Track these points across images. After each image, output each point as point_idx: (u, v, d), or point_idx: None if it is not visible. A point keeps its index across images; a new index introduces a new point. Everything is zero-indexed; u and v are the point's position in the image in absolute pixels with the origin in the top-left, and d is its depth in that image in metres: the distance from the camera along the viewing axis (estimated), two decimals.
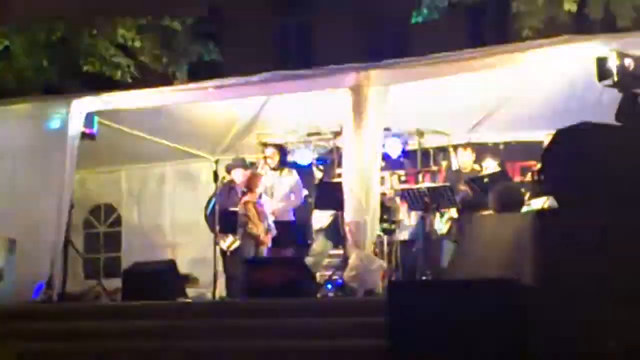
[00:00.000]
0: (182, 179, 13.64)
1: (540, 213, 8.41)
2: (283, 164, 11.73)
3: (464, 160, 11.38)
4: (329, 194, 10.35)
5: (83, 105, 10.92)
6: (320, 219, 11.55)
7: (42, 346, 8.78)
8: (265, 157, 11.66)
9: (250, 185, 11.08)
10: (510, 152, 11.98)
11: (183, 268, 11.04)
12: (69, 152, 10.74)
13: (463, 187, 10.74)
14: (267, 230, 10.90)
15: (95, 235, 14.21)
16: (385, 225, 10.89)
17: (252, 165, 11.87)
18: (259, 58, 17.37)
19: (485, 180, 10.43)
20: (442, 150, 12.37)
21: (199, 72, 16.24)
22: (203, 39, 17.11)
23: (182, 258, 11.92)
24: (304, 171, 12.01)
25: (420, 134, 11.99)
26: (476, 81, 10.21)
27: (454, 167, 11.79)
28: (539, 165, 10.00)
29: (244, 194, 11.07)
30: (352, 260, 9.43)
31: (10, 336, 8.82)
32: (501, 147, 12.03)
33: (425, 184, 11.34)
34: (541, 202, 9.93)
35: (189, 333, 8.55)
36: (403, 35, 18.11)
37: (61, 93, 13.96)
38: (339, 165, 10.49)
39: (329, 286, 10.84)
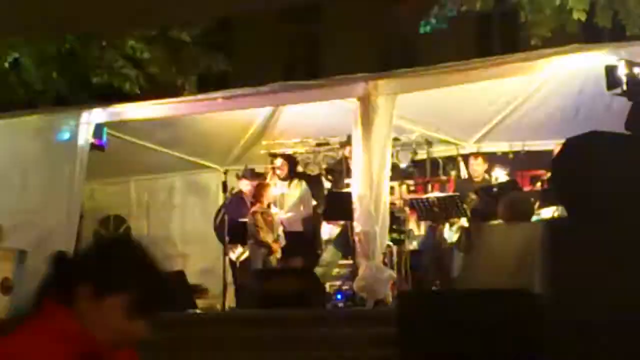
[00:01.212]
0: (191, 190, 13.65)
1: (550, 222, 8.39)
2: (292, 174, 11.73)
3: (475, 169, 11.34)
4: (338, 205, 10.34)
5: (92, 117, 10.95)
6: (330, 229, 11.54)
7: None
8: (274, 168, 11.66)
9: (258, 195, 11.08)
10: (519, 161, 11.95)
11: (192, 279, 11.04)
12: (79, 164, 10.76)
13: (473, 197, 10.71)
14: (276, 240, 10.89)
15: None
16: (395, 235, 10.86)
17: (261, 175, 11.87)
18: (267, 69, 17.42)
19: (495, 189, 10.40)
20: (451, 160, 12.36)
21: (207, 83, 16.28)
22: (211, 50, 17.12)
23: (191, 269, 11.91)
24: (313, 181, 12.00)
25: (429, 143, 11.98)
26: (485, 90, 10.21)
27: (463, 176, 11.76)
28: (548, 175, 9.97)
29: (252, 204, 11.07)
30: (362, 270, 9.42)
31: None
32: (510, 156, 11.99)
33: (434, 193, 11.31)
34: (551, 212, 9.90)
35: (199, 344, 8.55)
36: (411, 45, 18.11)
37: (70, 105, 14.01)
38: (348, 175, 10.48)
39: (339, 296, 10.82)
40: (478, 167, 11.27)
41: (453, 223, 10.86)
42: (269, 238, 10.78)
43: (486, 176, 11.22)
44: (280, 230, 11.08)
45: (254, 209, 10.97)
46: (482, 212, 10.40)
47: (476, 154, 11.58)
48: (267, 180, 11.51)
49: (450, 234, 10.89)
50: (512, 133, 11.73)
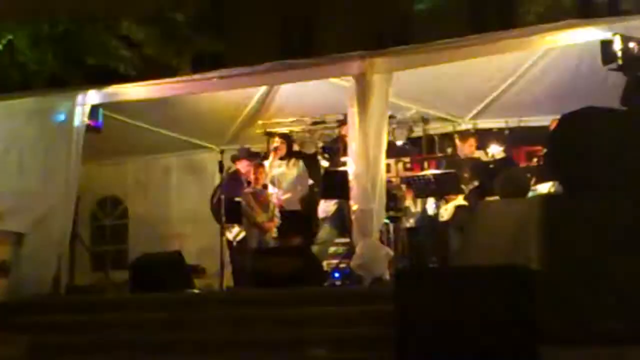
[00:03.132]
0: (187, 170, 13.65)
1: (546, 198, 8.41)
2: (289, 153, 11.71)
3: (465, 149, 11.34)
4: (335, 183, 10.33)
5: (88, 98, 10.92)
6: (326, 207, 11.54)
7: (51, 339, 8.80)
8: (275, 148, 11.61)
9: (252, 176, 11.08)
10: (515, 137, 11.94)
11: (190, 259, 11.04)
12: (75, 145, 10.75)
13: (465, 175, 10.71)
14: (271, 219, 10.86)
15: (102, 227, 14.23)
16: (392, 212, 10.86)
17: (258, 155, 11.85)
18: (262, 48, 17.38)
19: (491, 166, 10.40)
20: (447, 137, 12.34)
21: (202, 63, 16.25)
22: (206, 30, 17.08)
23: (188, 249, 11.92)
24: (310, 160, 11.99)
25: (425, 120, 11.98)
26: (481, 67, 10.19)
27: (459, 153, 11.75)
28: (544, 150, 9.98)
29: (249, 184, 11.07)
30: (359, 248, 9.43)
31: (19, 329, 8.85)
32: (506, 132, 11.99)
33: (430, 170, 11.31)
34: (547, 187, 9.91)
35: (197, 324, 8.57)
36: (406, 21, 18.07)
37: (66, 86, 13.98)
38: (344, 153, 10.47)
39: (336, 274, 10.84)
40: (467, 149, 11.27)
41: (447, 200, 10.86)
42: (261, 218, 10.78)
43: (476, 155, 11.20)
44: (276, 209, 11.05)
45: (245, 190, 10.96)
46: (480, 191, 10.42)
47: (466, 136, 11.49)
48: (270, 160, 11.47)
49: (442, 210, 10.87)
50: (508, 109, 11.73)
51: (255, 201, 10.85)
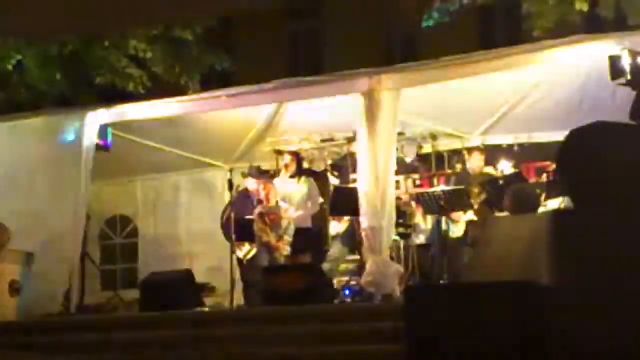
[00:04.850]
0: (197, 188, 13.66)
1: (556, 214, 8.38)
2: (299, 170, 11.72)
3: (473, 164, 11.33)
4: (344, 200, 10.33)
5: (96, 117, 10.97)
6: (337, 224, 11.54)
7: (61, 358, 8.79)
8: (286, 165, 11.60)
9: (262, 194, 11.07)
10: (524, 153, 11.94)
11: (200, 277, 11.05)
12: (84, 164, 10.78)
13: (475, 190, 10.70)
14: (280, 238, 10.81)
15: (112, 246, 14.24)
16: (401, 229, 10.86)
17: (267, 173, 11.85)
18: (271, 66, 17.40)
19: (501, 182, 10.40)
20: (456, 153, 12.34)
21: (211, 82, 16.26)
22: (214, 48, 17.11)
23: (198, 267, 11.92)
24: (319, 177, 11.99)
25: (434, 137, 11.97)
26: (489, 83, 10.19)
27: (468, 169, 11.75)
28: (554, 166, 9.96)
29: (259, 202, 11.05)
30: (369, 265, 9.42)
31: (29, 349, 8.85)
32: (515, 148, 11.98)
33: (440, 187, 11.31)
34: (557, 203, 9.89)
35: (207, 342, 8.55)
36: (414, 38, 18.07)
37: (74, 106, 14.03)
38: (354, 170, 10.47)
39: (347, 292, 10.82)
40: (476, 163, 11.26)
41: (454, 218, 10.85)
42: (269, 237, 10.72)
43: (485, 170, 11.20)
44: (291, 227, 10.99)
45: (255, 210, 10.93)
46: (489, 204, 10.41)
47: (474, 149, 11.50)
48: (280, 177, 11.46)
49: (453, 228, 10.86)
50: (517, 125, 11.71)
51: (264, 220, 10.81)
